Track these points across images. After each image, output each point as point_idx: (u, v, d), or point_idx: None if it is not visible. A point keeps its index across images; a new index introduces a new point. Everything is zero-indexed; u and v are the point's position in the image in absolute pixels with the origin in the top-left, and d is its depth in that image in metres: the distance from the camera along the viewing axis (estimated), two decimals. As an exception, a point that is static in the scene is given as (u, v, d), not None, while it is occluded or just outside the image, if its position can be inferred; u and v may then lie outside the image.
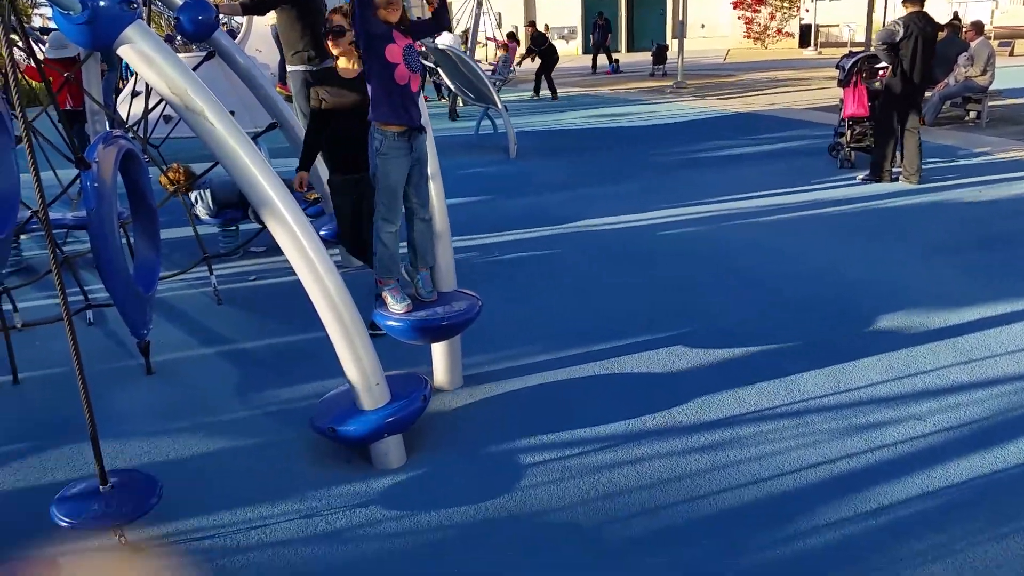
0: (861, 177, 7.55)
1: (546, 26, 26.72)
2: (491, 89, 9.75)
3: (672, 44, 24.47)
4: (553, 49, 17.63)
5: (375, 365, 2.92)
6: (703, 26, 34.56)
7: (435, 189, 3.37)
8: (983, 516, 2.61)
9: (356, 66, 3.90)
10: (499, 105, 9.77)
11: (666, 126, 12.45)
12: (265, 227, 2.88)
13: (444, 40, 9.36)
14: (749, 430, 3.22)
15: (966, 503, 2.69)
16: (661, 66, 22.29)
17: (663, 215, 6.67)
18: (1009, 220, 6.16)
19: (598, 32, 24.21)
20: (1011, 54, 20.76)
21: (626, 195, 7.45)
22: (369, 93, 3.27)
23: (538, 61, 17.61)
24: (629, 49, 35.72)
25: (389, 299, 3.30)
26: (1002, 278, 4.83)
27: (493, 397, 3.60)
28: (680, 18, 18.98)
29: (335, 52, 3.92)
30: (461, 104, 14.21)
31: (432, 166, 3.37)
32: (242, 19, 10.13)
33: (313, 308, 2.87)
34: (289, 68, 5.71)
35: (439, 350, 3.56)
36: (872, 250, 5.54)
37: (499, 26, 20.85)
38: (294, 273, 2.85)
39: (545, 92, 17.39)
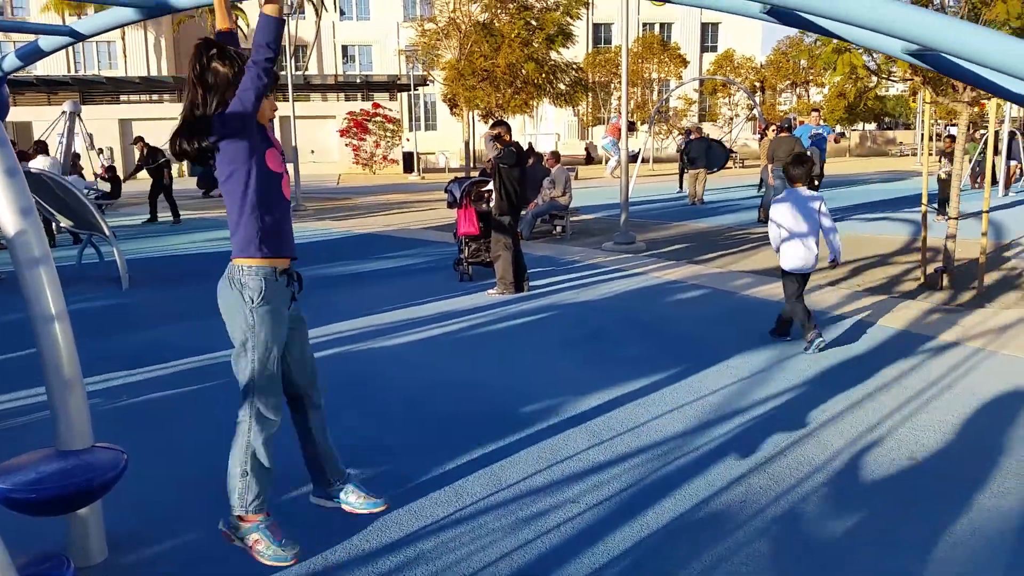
0: (494, 292, 8.20)
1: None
2: (96, 214, 8.89)
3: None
4: (164, 167, 16.61)
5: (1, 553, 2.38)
6: (313, 151, 35.65)
7: (62, 331, 2.93)
8: (642, 580, 2.94)
9: None
10: (107, 231, 8.93)
11: (291, 248, 12.42)
12: None
13: (38, 163, 8.37)
14: (431, 543, 3.24)
15: (628, 573, 3.00)
16: (276, 189, 22.39)
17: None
18: (603, 314, 7.23)
19: None
20: (576, 178, 24.71)
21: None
22: (233, 218, 2.54)
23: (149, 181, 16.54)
24: (240, 172, 35.23)
25: (264, 546, 2.66)
26: (609, 364, 5.62)
27: (145, 567, 3.15)
28: (292, 143, 19.39)
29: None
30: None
31: (58, 304, 2.94)
32: None
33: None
34: None
35: (77, 518, 3.03)
36: (502, 354, 6.07)
37: (92, 147, 19.30)
38: None
39: (165, 215, 16.37)
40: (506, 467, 3.95)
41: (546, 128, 45.13)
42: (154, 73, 44.92)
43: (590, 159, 39.36)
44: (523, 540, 3.24)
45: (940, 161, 12.96)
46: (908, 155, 39.39)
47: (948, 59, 2.07)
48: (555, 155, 12.70)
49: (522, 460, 4.03)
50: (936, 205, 13.08)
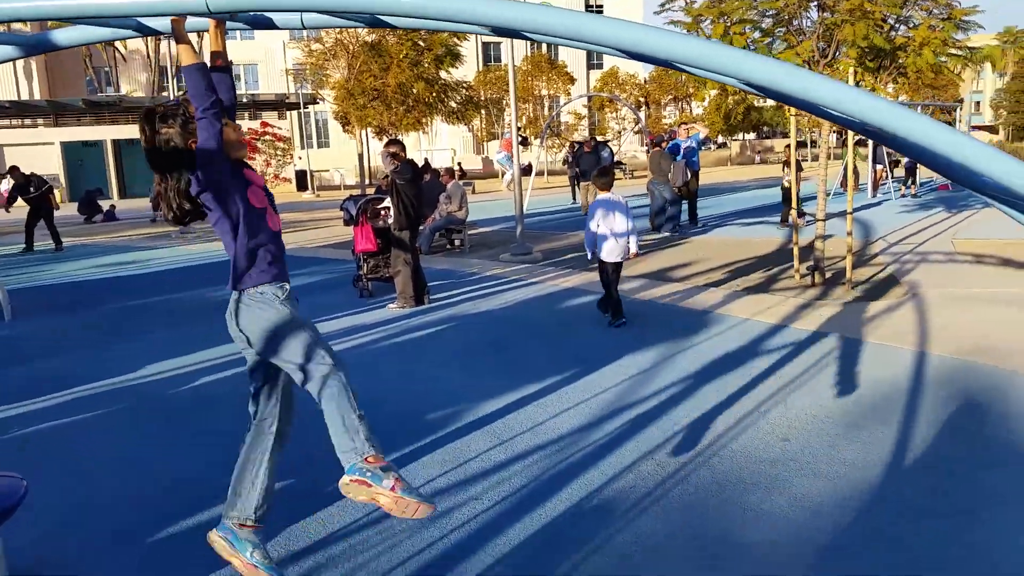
0: (395, 307, 8.28)
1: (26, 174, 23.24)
2: (-30, 245, 8.48)
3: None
4: (47, 192, 15.80)
5: None
6: (201, 172, 34.58)
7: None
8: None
9: None
10: (-17, 263, 8.54)
11: (179, 270, 12.19)
12: None
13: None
14: (340, 548, 3.35)
15: (527, 565, 3.20)
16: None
17: (194, 362, 6.50)
18: (503, 323, 7.46)
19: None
20: (474, 192, 25.02)
21: (148, 347, 7.08)
22: (229, 254, 2.71)
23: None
24: (122, 195, 34.01)
25: (402, 487, 2.51)
26: (510, 370, 5.83)
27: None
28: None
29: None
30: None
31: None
32: None
33: None
34: None
35: (-27, 548, 2.99)
36: (405, 365, 6.19)
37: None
38: None
39: (43, 243, 15.63)
40: (411, 472, 4.08)
41: (441, 143, 45.35)
42: (26, 97, 42.66)
43: (464, 175, 39.60)
44: (429, 539, 3.38)
45: (783, 170, 13.98)
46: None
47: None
48: (449, 171, 12.95)
49: (426, 464, 4.18)
50: (802, 209, 13.97)
